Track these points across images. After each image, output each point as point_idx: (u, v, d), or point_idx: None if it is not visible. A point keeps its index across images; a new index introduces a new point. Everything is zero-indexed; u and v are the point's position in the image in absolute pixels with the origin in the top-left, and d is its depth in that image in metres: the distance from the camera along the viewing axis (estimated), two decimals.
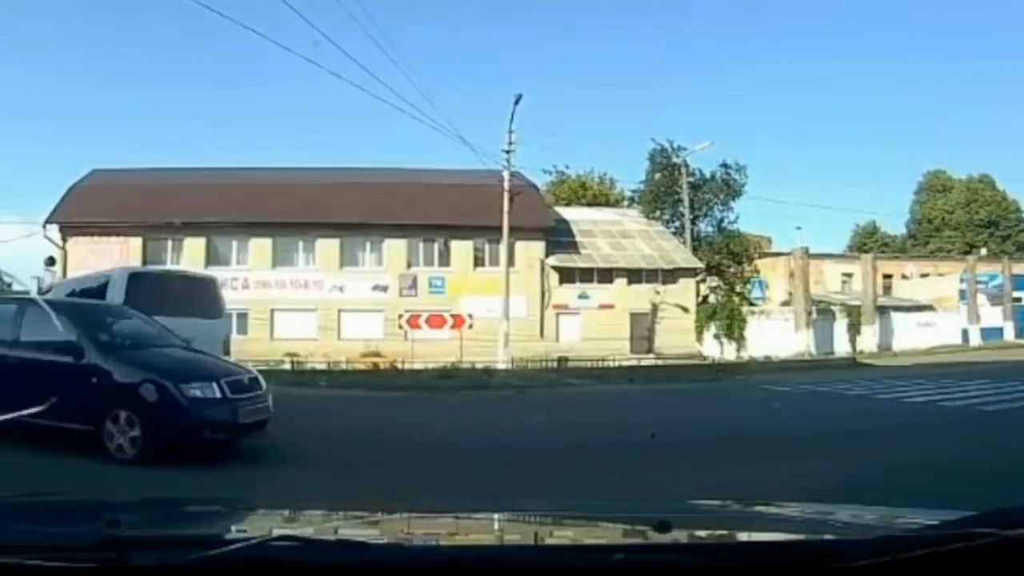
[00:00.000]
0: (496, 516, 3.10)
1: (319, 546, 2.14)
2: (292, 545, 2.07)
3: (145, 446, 11.25)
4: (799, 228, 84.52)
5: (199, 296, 19.40)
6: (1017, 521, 1.92)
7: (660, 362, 41.58)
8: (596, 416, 19.13)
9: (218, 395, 11.82)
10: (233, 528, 2.86)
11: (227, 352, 18.20)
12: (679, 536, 2.42)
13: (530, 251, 47.27)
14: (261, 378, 13.10)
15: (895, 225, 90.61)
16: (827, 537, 2.35)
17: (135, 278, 18.61)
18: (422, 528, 2.85)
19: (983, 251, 68.27)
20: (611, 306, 48.19)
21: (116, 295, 17.61)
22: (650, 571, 2.05)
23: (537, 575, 2.07)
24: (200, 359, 13.53)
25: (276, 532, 2.21)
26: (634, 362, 40.40)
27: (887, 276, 65.35)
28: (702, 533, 2.74)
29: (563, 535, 2.93)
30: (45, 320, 12.04)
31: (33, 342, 12.34)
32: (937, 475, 9.95)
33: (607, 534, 2.85)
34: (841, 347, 49.50)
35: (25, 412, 10.76)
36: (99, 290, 18.24)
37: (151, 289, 18.23)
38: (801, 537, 2.45)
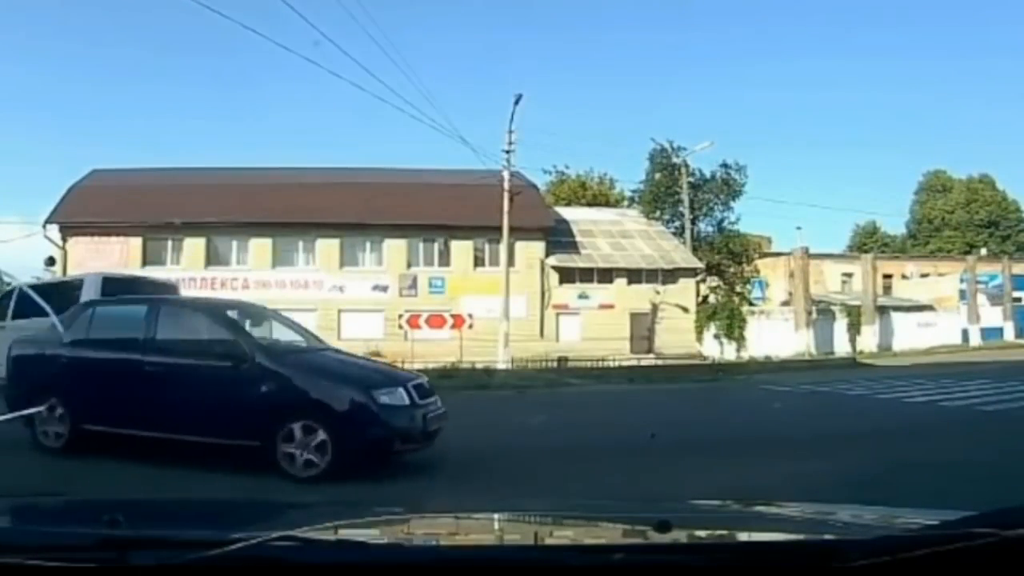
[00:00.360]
0: (496, 516, 3.10)
1: (319, 546, 2.14)
2: (292, 545, 2.07)
3: (333, 461, 10.11)
4: (799, 228, 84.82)
5: None
6: (1017, 521, 1.92)
7: (660, 362, 41.53)
8: (596, 416, 19.12)
9: (406, 402, 10.77)
10: (233, 528, 2.85)
11: None
12: (679, 536, 2.43)
13: (530, 251, 47.24)
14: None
15: (895, 225, 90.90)
16: (827, 537, 2.35)
17: (108, 282, 19.62)
18: (422, 528, 2.85)
19: (983, 251, 68.32)
20: (611, 306, 48.17)
21: (90, 298, 18.14)
22: (650, 571, 2.05)
23: (537, 575, 2.07)
24: (371, 362, 13.01)
25: (276, 532, 2.21)
26: (634, 362, 40.38)
27: (887, 276, 65.38)
28: (702, 533, 2.74)
29: (563, 535, 2.93)
30: (189, 320, 11.84)
31: (177, 346, 11.37)
32: (937, 475, 9.95)
33: (607, 534, 2.86)
34: (841, 347, 49.50)
35: (26, 412, 10.80)
36: (72, 293, 18.73)
37: (121, 292, 18.68)
38: (801, 537, 2.45)
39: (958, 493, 8.44)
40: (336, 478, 9.87)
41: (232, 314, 12.39)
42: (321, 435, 10.20)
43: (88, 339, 11.89)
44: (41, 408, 11.30)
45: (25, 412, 10.58)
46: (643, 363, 40.12)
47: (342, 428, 10.31)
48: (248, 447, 10.37)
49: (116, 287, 19.46)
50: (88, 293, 18.60)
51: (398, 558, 2.14)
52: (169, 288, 22.52)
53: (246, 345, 11.04)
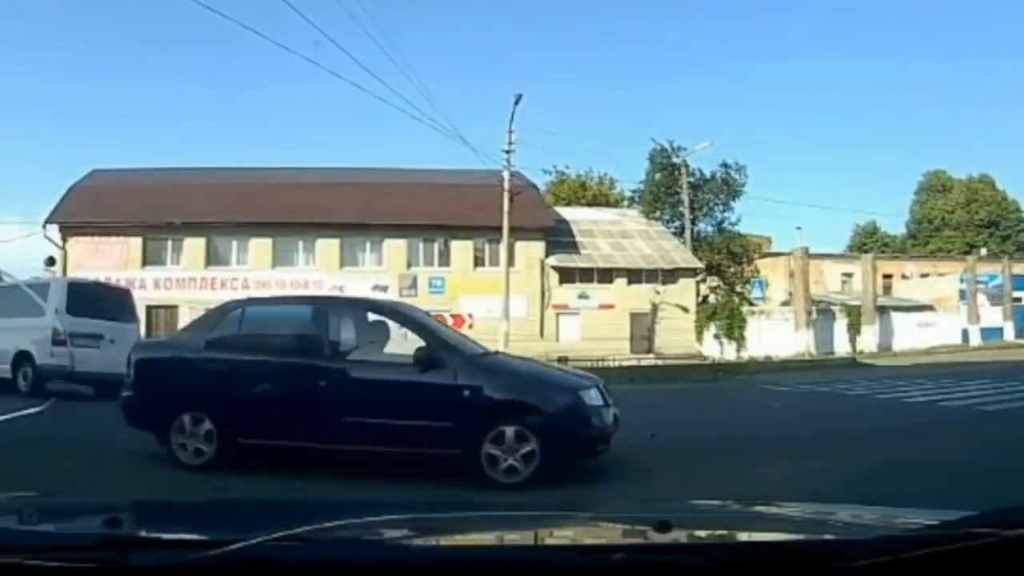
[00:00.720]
0: (496, 516, 3.10)
1: (319, 546, 2.14)
2: (292, 545, 2.07)
3: (540, 465, 9.71)
4: (799, 228, 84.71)
5: (119, 304, 21.50)
6: (1017, 521, 1.92)
7: (660, 362, 41.51)
8: None
9: (600, 402, 10.41)
10: (233, 528, 2.85)
11: None
12: (679, 536, 2.43)
13: (530, 251, 47.23)
14: None
15: (895, 225, 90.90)
16: (827, 537, 2.35)
17: (73, 287, 20.59)
18: (422, 528, 2.85)
19: (983, 251, 68.33)
20: (611, 306, 48.14)
21: (56, 302, 19.44)
22: (650, 571, 2.06)
23: (537, 575, 2.07)
24: (552, 364, 12.78)
25: (276, 532, 2.21)
26: (634, 362, 40.30)
27: (887, 276, 65.39)
28: (702, 533, 2.74)
29: (563, 535, 2.93)
30: (368, 321, 11.22)
31: (361, 349, 10.84)
32: (937, 475, 9.95)
33: (607, 534, 2.86)
34: (841, 347, 49.48)
35: (26, 412, 10.76)
36: (39, 296, 19.25)
37: (84, 297, 20.31)
38: (801, 537, 2.45)
39: (958, 493, 8.43)
40: (541, 483, 9.55)
41: (407, 313, 11.86)
42: (529, 439, 9.80)
43: (242, 343, 11.05)
44: (41, 407, 11.17)
45: (25, 412, 10.49)
46: (643, 363, 40.08)
47: (552, 431, 9.89)
48: (450, 455, 9.94)
49: (82, 292, 20.73)
50: (54, 298, 19.53)
51: (398, 558, 2.15)
52: (126, 292, 23.65)
53: (440, 347, 10.60)
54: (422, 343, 10.47)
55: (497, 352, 12.39)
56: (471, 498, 8.63)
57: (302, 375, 10.45)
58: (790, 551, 2.13)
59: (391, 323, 11.20)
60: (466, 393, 10.02)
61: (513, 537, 2.84)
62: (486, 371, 10.62)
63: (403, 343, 10.84)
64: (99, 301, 20.76)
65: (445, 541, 2.64)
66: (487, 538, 2.78)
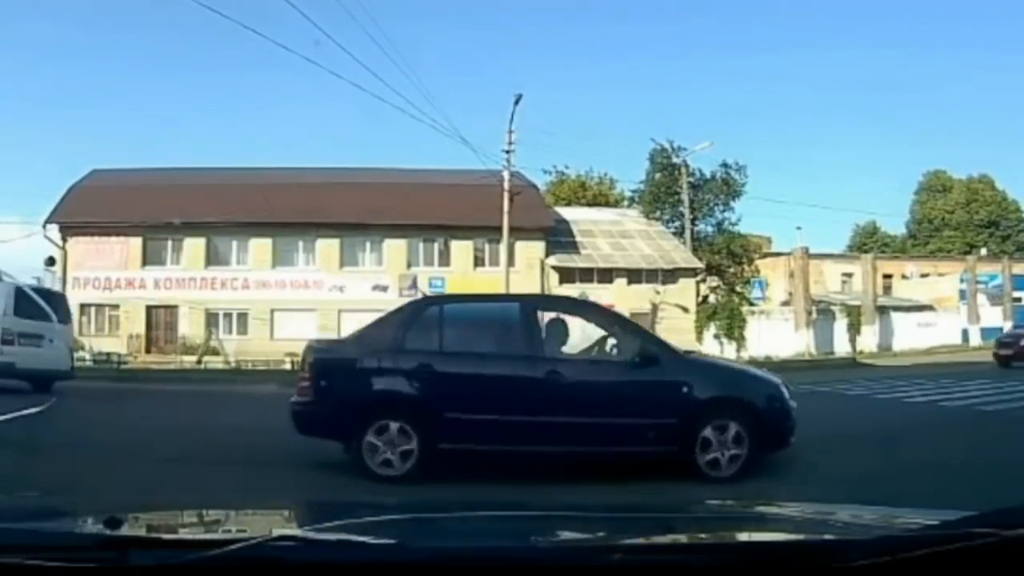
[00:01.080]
0: (496, 516, 3.10)
1: (319, 546, 2.14)
2: (292, 545, 2.07)
3: (747, 459, 9.89)
4: (799, 228, 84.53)
5: (57, 306, 23.01)
6: (1017, 521, 1.93)
7: None
8: None
9: (789, 395, 10.72)
10: (233, 528, 2.86)
11: (74, 349, 24.44)
12: (679, 536, 2.43)
13: (530, 251, 47.29)
14: None
15: (895, 225, 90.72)
16: (827, 537, 2.36)
17: (18, 291, 21.40)
18: (422, 528, 2.85)
19: (983, 251, 68.35)
20: (611, 306, 48.01)
21: (3, 304, 20.42)
22: (650, 571, 2.06)
23: (537, 575, 2.07)
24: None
25: (276, 532, 2.21)
26: None
27: (887, 276, 65.45)
28: (702, 533, 2.74)
29: (563, 535, 2.93)
30: (576, 321, 10.95)
31: (575, 349, 10.76)
32: (937, 475, 9.95)
33: (607, 534, 2.86)
34: (841, 347, 49.46)
35: (26, 412, 10.72)
36: None
37: (28, 299, 21.43)
38: (801, 537, 2.46)
39: (958, 493, 8.44)
40: (749, 476, 9.80)
41: (610, 311, 11.86)
42: (741, 433, 9.93)
43: (444, 343, 10.53)
44: (41, 408, 11.09)
45: (25, 412, 10.42)
46: None
47: (761, 424, 10.14)
48: (667, 452, 9.94)
49: (26, 295, 21.71)
50: (1, 300, 20.46)
51: (398, 558, 2.14)
52: (62, 296, 26.53)
53: (654, 345, 10.69)
54: (640, 341, 10.56)
55: (691, 351, 12.28)
56: (680, 494, 8.83)
57: (514, 375, 10.24)
58: (790, 551, 2.14)
59: (590, 321, 11.10)
60: (684, 390, 10.06)
61: (513, 537, 2.84)
62: (697, 368, 10.75)
63: (603, 340, 10.85)
64: (40, 303, 22.04)
65: (445, 541, 2.64)
66: (487, 538, 2.78)
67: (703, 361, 11.48)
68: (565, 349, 10.64)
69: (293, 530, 2.40)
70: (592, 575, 2.08)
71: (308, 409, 10.33)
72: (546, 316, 10.84)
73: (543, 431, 9.86)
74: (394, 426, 9.85)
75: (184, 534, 2.64)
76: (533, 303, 11.89)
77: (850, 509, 2.91)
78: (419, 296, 12.49)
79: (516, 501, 4.35)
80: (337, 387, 10.33)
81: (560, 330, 10.75)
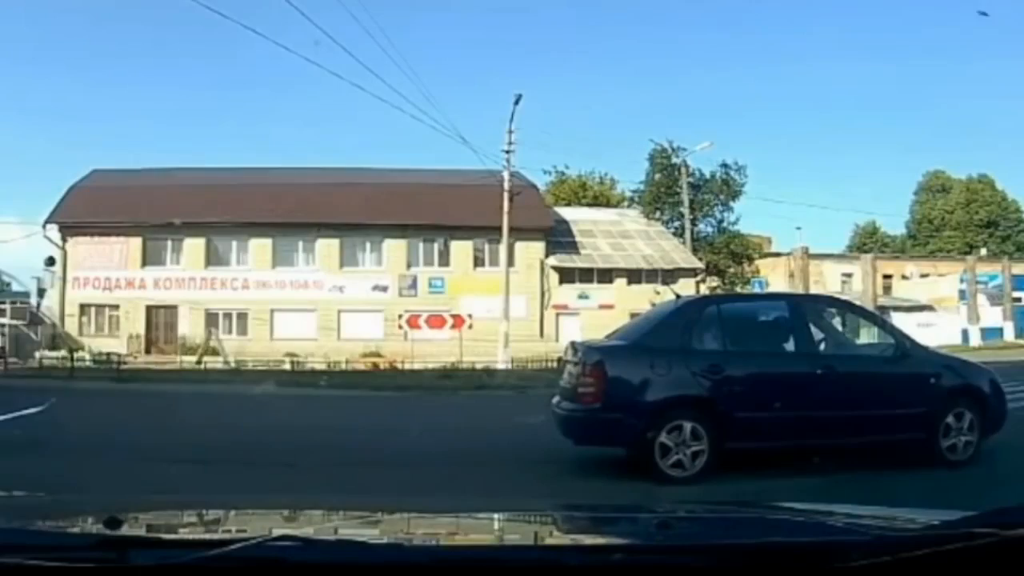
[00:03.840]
0: (496, 516, 3.10)
1: (319, 546, 2.14)
2: (292, 545, 2.07)
3: (978, 444, 10.56)
4: (799, 228, 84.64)
5: None
6: (1017, 521, 1.93)
7: None
8: None
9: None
10: (233, 528, 2.86)
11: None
12: (679, 536, 2.44)
13: (530, 251, 47.33)
14: None
15: (895, 225, 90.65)
16: (827, 537, 2.35)
17: None
18: (422, 528, 2.86)
19: (983, 251, 68.34)
20: (611, 306, 47.95)
21: None
22: (650, 571, 2.06)
23: (537, 575, 2.08)
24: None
25: (276, 532, 2.21)
26: None
27: (887, 276, 65.47)
28: (702, 533, 2.73)
29: (563, 535, 2.94)
30: (834, 316, 11.47)
31: (842, 345, 11.21)
32: (937, 475, 9.95)
33: (607, 534, 2.87)
34: None
35: (26, 412, 10.71)
36: None
37: None
38: (801, 537, 2.45)
39: (958, 493, 8.43)
40: (979, 462, 10.35)
41: (863, 308, 12.49)
42: (972, 420, 10.53)
43: (727, 342, 10.55)
44: (41, 407, 11.07)
45: (25, 412, 10.41)
46: None
47: (989, 411, 10.74)
48: (911, 439, 10.49)
49: None
50: None
51: (398, 558, 2.14)
52: None
53: (907, 340, 11.10)
54: (890, 334, 11.15)
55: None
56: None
57: (797, 372, 10.42)
58: (790, 551, 2.13)
59: (848, 316, 11.69)
60: (932, 381, 10.66)
61: (513, 537, 2.85)
62: (940, 361, 11.42)
63: (862, 337, 11.45)
64: None
65: (445, 541, 2.64)
66: (487, 538, 2.79)
67: (942, 354, 12.35)
68: (831, 345, 10.97)
69: (293, 530, 2.40)
70: (592, 575, 2.07)
71: (595, 416, 10.11)
72: (813, 313, 11.18)
73: (821, 425, 10.09)
74: (687, 427, 9.72)
75: (184, 534, 2.64)
76: (801, 300, 12.57)
77: (850, 509, 2.91)
78: (673, 296, 12.48)
79: (517, 501, 4.36)
80: (630, 391, 10.14)
81: (827, 326, 11.16)
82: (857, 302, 47.39)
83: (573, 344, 11.18)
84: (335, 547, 2.19)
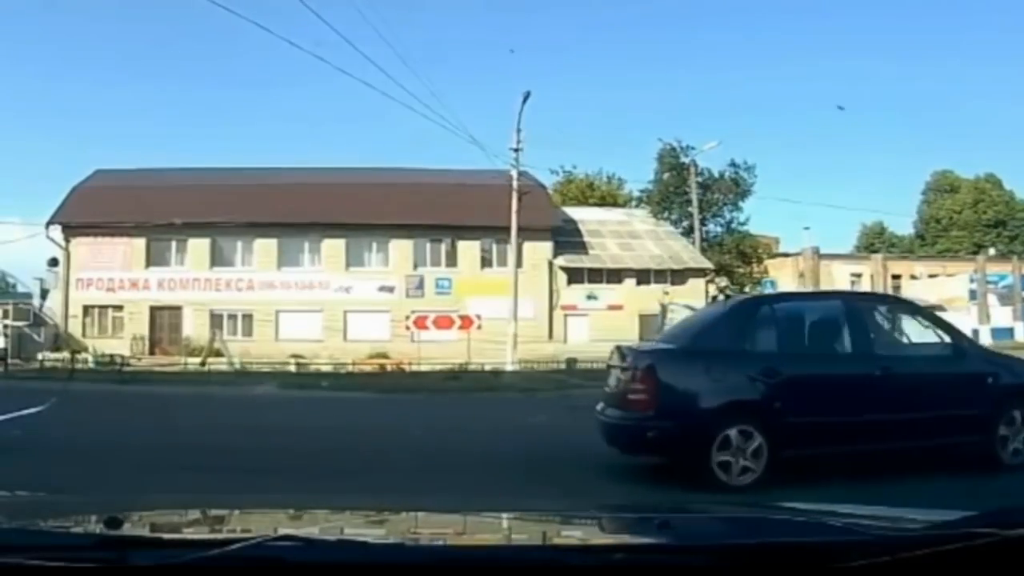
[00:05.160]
0: (496, 516, 3.10)
1: (319, 546, 2.15)
2: (292, 545, 2.07)
3: None
4: (807, 228, 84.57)
5: None
6: (1017, 521, 1.94)
7: None
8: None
9: None
10: (233, 528, 2.86)
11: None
12: (679, 536, 2.43)
13: (538, 251, 47.16)
14: None
15: (902, 225, 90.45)
16: (827, 537, 2.35)
17: None
18: (422, 528, 2.86)
19: (991, 251, 68.19)
20: (620, 307, 47.92)
21: None
22: (650, 571, 2.06)
23: (537, 575, 2.08)
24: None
25: (276, 532, 2.22)
26: None
27: (895, 277, 65.36)
28: (702, 533, 2.73)
29: (563, 535, 2.94)
30: (888, 317, 11.17)
31: (898, 346, 10.94)
32: (937, 475, 9.91)
33: (607, 534, 2.87)
34: None
35: (27, 412, 10.68)
36: None
37: None
38: (801, 537, 2.45)
39: (958, 493, 8.43)
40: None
41: (919, 307, 12.25)
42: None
43: (783, 343, 10.30)
44: (42, 407, 10.99)
45: (25, 412, 10.37)
46: None
47: None
48: (964, 443, 10.23)
49: None
50: None
51: (398, 558, 2.14)
52: None
53: (963, 339, 11.01)
54: (947, 335, 10.75)
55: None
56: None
57: (854, 374, 10.09)
58: (790, 551, 2.13)
59: (902, 315, 11.39)
60: (988, 381, 10.42)
61: (513, 537, 2.85)
62: (996, 360, 11.18)
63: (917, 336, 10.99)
64: None
65: (445, 541, 2.64)
66: (487, 538, 2.78)
67: (999, 353, 12.24)
68: (888, 345, 10.82)
69: (293, 530, 2.40)
70: (592, 575, 2.07)
71: (646, 424, 9.74)
72: (869, 313, 10.93)
73: (878, 429, 9.78)
74: (743, 433, 9.42)
75: (184, 534, 2.64)
76: (856, 299, 12.28)
77: (850, 509, 2.90)
78: (723, 296, 12.49)
79: (517, 501, 4.36)
80: (684, 397, 9.87)
81: (882, 325, 10.98)
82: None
83: (620, 348, 10.82)
84: (336, 547, 2.19)
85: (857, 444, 9.71)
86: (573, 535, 2.94)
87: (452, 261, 47.90)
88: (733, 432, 9.37)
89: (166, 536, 2.48)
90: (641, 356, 10.35)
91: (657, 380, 9.74)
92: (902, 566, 1.94)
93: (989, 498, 7.77)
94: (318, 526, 2.80)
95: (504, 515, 3.10)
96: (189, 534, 2.66)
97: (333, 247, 47.32)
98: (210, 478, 9.89)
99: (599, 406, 10.69)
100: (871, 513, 2.75)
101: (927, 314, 11.48)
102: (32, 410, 10.44)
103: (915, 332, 10.91)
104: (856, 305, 11.01)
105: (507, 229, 40.69)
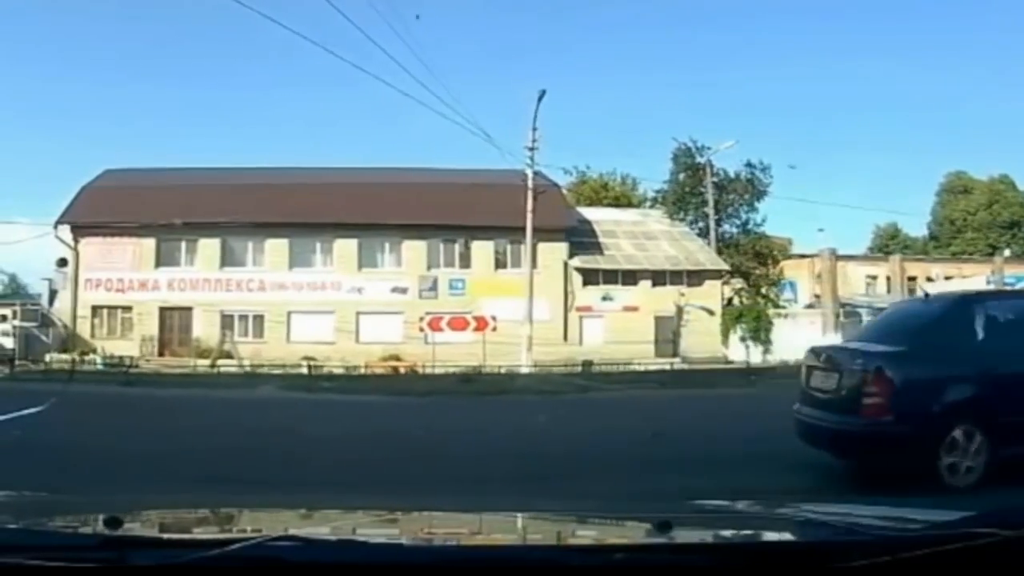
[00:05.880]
0: (496, 516, 3.11)
1: (319, 546, 2.15)
2: (292, 545, 2.08)
3: None
4: (821, 230, 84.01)
5: None
6: (1017, 521, 1.94)
7: (688, 366, 40.65)
8: (628, 422, 18.40)
9: None
10: (233, 528, 2.88)
11: None
12: (679, 536, 2.43)
13: (552, 252, 46.92)
14: None
15: (916, 226, 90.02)
16: (827, 537, 2.35)
17: None
18: (422, 528, 2.87)
19: (1007, 252, 67.91)
20: (635, 308, 47.75)
21: None
22: (650, 571, 2.06)
23: (537, 575, 2.08)
24: None
25: (276, 532, 2.22)
26: (662, 366, 39.33)
27: (911, 278, 64.93)
28: (702, 533, 2.74)
29: (563, 535, 2.94)
30: None
31: None
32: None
33: (607, 534, 2.87)
34: None
35: (27, 412, 10.63)
36: None
37: None
38: (801, 537, 2.45)
39: (958, 493, 8.38)
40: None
41: None
42: None
43: (999, 343, 10.02)
44: (42, 407, 10.92)
45: (25, 412, 10.34)
46: (674, 367, 38.98)
47: None
48: None
49: None
50: None
51: (398, 558, 2.15)
52: None
53: None
54: None
55: None
56: None
57: None
58: (790, 551, 2.14)
59: None
60: None
61: (513, 537, 2.85)
62: None
63: None
64: None
65: (446, 541, 2.65)
66: (488, 538, 2.79)
67: None
68: None
69: (293, 530, 2.41)
70: (592, 575, 2.07)
71: (883, 429, 9.58)
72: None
73: None
74: (968, 434, 9.37)
75: (184, 534, 2.65)
76: None
77: (850, 509, 2.91)
78: (921, 295, 12.37)
79: (517, 501, 4.36)
80: (917, 399, 9.73)
81: None
82: (883, 304, 46.95)
83: (825, 350, 10.94)
84: (336, 547, 2.20)
85: None
86: (573, 535, 2.95)
87: (466, 262, 47.73)
88: (959, 433, 9.35)
89: (166, 536, 2.50)
90: (871, 358, 10.17)
91: (891, 383, 9.72)
92: (902, 566, 1.94)
93: None
94: (318, 526, 2.81)
95: (505, 515, 3.11)
96: (189, 534, 2.67)
97: (345, 247, 47.18)
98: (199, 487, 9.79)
99: (804, 410, 10.70)
100: (871, 513, 2.75)
101: None
102: (33, 410, 10.43)
103: None
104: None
105: (521, 229, 40.61)
